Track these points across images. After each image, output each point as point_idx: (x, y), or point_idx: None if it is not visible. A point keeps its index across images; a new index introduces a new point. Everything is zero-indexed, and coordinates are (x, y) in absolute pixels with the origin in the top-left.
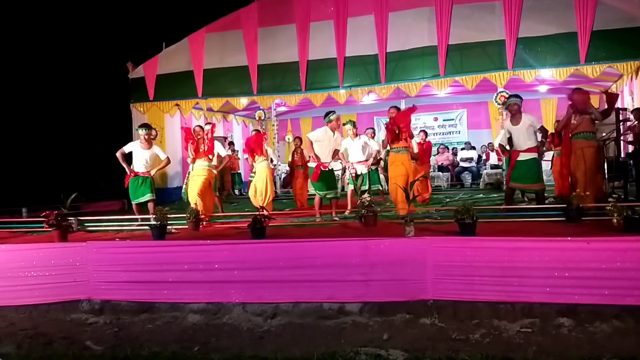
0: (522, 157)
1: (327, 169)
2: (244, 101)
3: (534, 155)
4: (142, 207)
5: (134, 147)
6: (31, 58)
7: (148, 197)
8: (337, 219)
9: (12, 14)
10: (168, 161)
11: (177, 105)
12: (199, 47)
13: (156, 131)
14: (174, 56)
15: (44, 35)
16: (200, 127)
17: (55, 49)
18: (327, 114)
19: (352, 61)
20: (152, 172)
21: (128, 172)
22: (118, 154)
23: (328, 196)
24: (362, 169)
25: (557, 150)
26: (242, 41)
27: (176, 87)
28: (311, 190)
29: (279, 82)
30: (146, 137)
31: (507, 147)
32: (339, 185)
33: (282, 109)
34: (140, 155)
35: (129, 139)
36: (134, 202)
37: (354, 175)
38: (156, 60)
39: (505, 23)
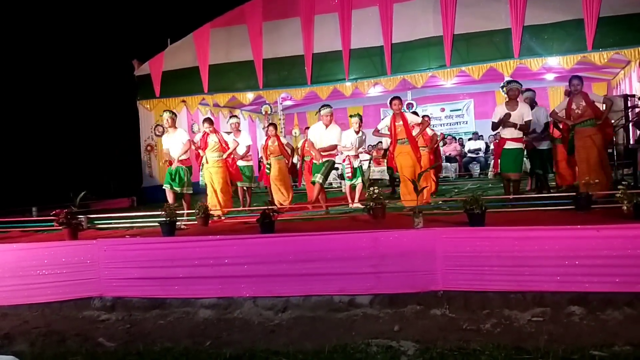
0: (509, 145)
1: (319, 163)
2: (250, 96)
3: (520, 145)
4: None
5: (166, 138)
6: (37, 57)
7: (167, 186)
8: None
9: (17, 13)
10: (188, 145)
11: (183, 101)
12: (204, 42)
13: (163, 128)
14: (179, 52)
15: (50, 34)
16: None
17: (61, 47)
18: (319, 108)
19: (358, 53)
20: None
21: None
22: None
23: (312, 179)
24: (357, 163)
25: (559, 138)
26: (247, 36)
27: (182, 83)
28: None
29: (284, 76)
30: (170, 121)
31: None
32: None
33: (289, 102)
34: (171, 143)
35: (136, 136)
36: (164, 186)
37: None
38: (161, 57)
39: (511, 11)
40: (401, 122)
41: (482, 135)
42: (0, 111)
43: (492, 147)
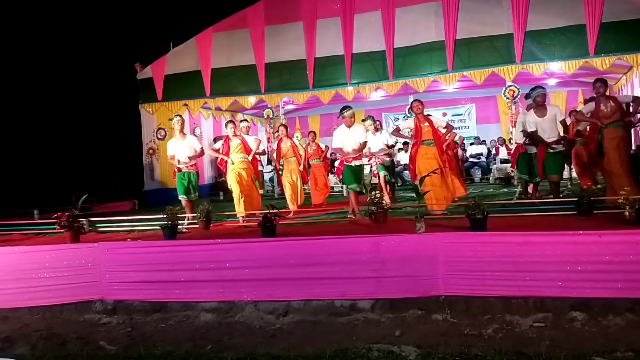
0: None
1: (351, 164)
2: (252, 100)
3: (562, 147)
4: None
5: (172, 143)
6: (40, 60)
7: (183, 197)
8: (355, 215)
9: (21, 16)
10: (202, 152)
11: (185, 105)
12: (207, 46)
13: (165, 131)
14: (181, 56)
15: (52, 37)
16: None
17: (63, 50)
18: (342, 110)
19: (360, 58)
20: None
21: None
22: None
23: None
24: (387, 161)
25: (580, 140)
26: (249, 40)
27: (184, 87)
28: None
29: (286, 80)
30: (180, 125)
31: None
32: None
33: (290, 107)
34: (178, 148)
35: (138, 139)
36: (180, 197)
37: (377, 163)
38: (164, 61)
39: (513, 16)
40: (427, 124)
41: (484, 140)
42: (3, 114)
43: (494, 152)
